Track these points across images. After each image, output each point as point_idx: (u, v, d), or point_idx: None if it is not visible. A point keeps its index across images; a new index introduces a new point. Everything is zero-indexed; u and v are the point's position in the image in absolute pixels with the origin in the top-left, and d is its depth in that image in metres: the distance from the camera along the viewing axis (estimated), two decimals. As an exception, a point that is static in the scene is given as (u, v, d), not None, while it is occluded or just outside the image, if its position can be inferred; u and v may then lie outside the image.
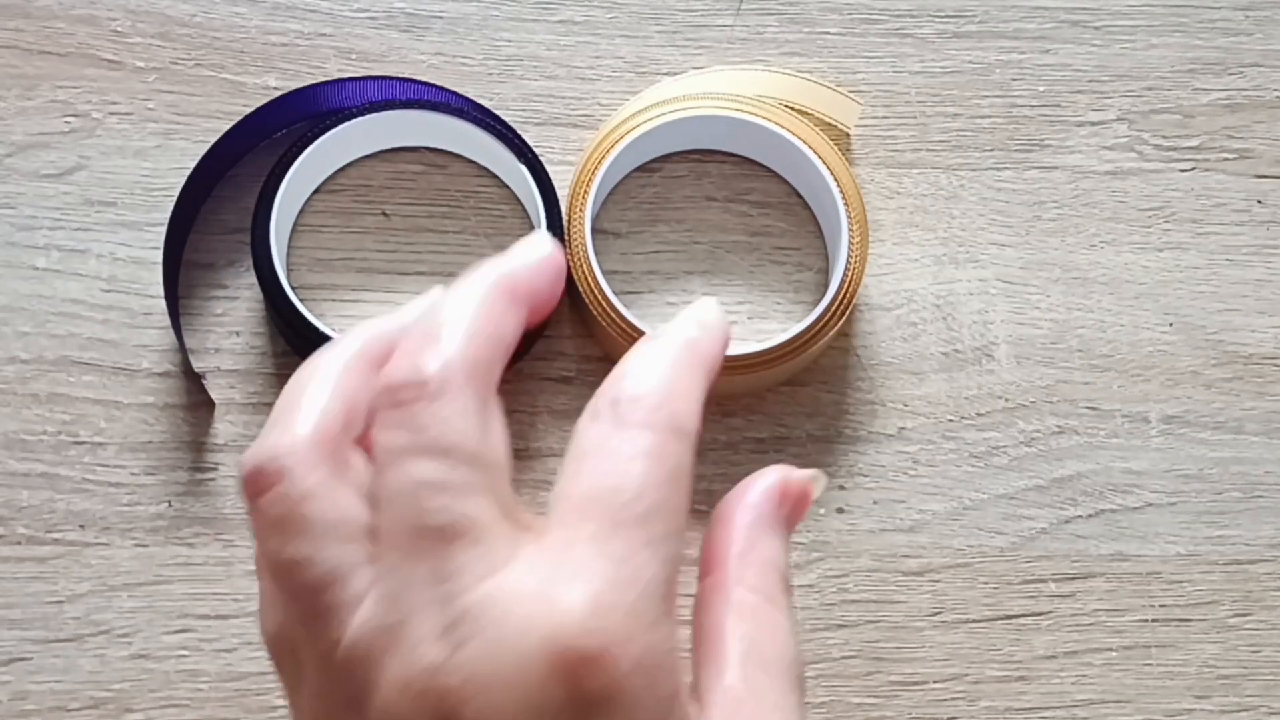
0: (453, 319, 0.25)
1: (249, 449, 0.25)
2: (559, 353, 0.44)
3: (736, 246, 0.45)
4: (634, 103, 0.45)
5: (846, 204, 0.43)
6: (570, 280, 0.42)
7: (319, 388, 0.26)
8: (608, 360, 0.43)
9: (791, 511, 0.28)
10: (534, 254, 0.27)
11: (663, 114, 0.44)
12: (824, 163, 0.43)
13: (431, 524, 0.23)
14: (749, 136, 0.45)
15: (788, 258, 0.45)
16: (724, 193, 0.46)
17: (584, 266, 0.42)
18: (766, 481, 0.28)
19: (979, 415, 0.44)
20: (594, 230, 0.45)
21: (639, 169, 0.46)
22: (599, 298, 0.42)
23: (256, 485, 0.24)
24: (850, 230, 0.43)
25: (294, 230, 0.45)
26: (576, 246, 0.42)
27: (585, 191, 0.43)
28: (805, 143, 0.44)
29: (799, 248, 0.45)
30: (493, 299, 0.26)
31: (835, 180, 0.43)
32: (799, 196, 0.46)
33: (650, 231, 0.45)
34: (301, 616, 0.24)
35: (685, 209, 0.46)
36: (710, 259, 0.45)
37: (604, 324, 0.41)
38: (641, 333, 0.41)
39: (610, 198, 0.46)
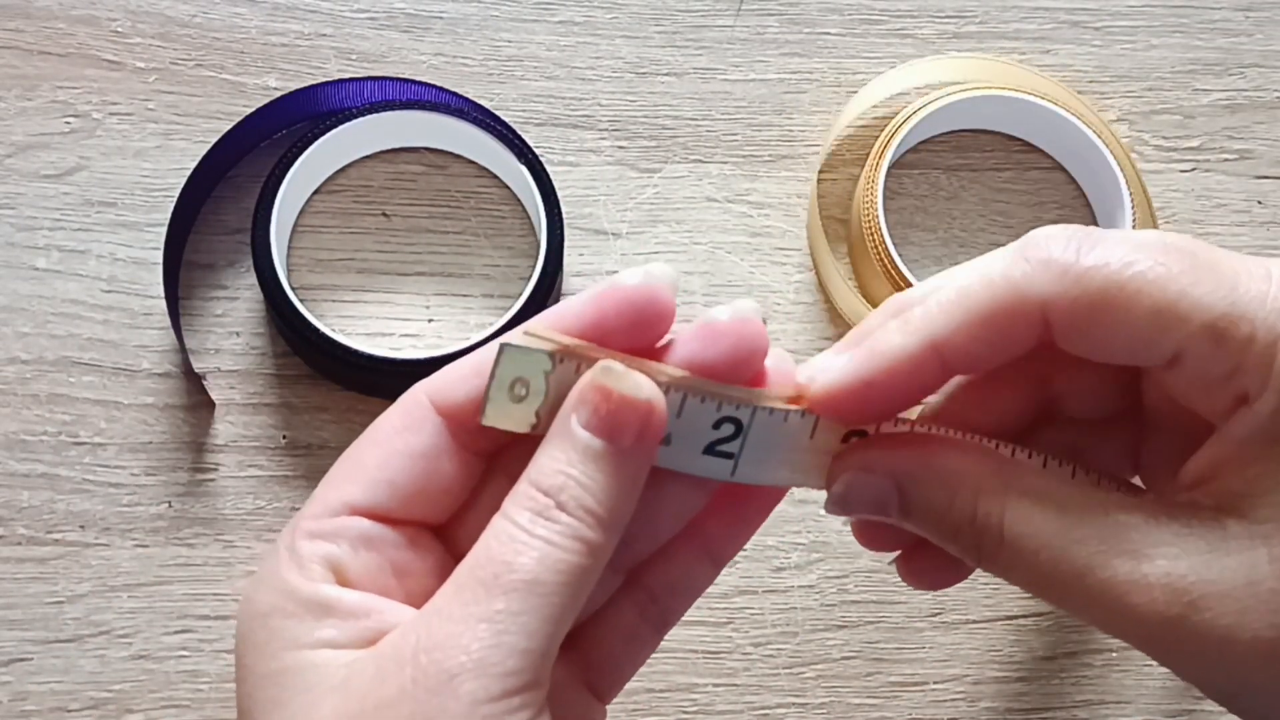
0: None
1: None
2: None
3: (736, 247, 0.45)
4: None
5: (1127, 183, 0.44)
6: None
7: None
8: None
9: (590, 416, 0.25)
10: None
11: (954, 94, 0.45)
12: (1103, 142, 0.44)
13: None
14: (1028, 116, 0.46)
15: (788, 258, 0.45)
16: (725, 193, 0.46)
17: (874, 225, 0.43)
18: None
19: (979, 415, 0.44)
20: (596, 231, 0.45)
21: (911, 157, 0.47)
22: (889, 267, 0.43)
23: None
24: (1133, 211, 0.43)
25: (294, 230, 0.45)
26: (869, 210, 0.43)
27: (875, 175, 0.44)
28: (1083, 121, 0.44)
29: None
30: None
31: (1116, 162, 0.44)
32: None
33: (650, 231, 0.45)
34: None
35: (684, 209, 0.46)
36: (710, 259, 0.45)
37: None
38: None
39: (612, 199, 0.46)
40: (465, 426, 0.27)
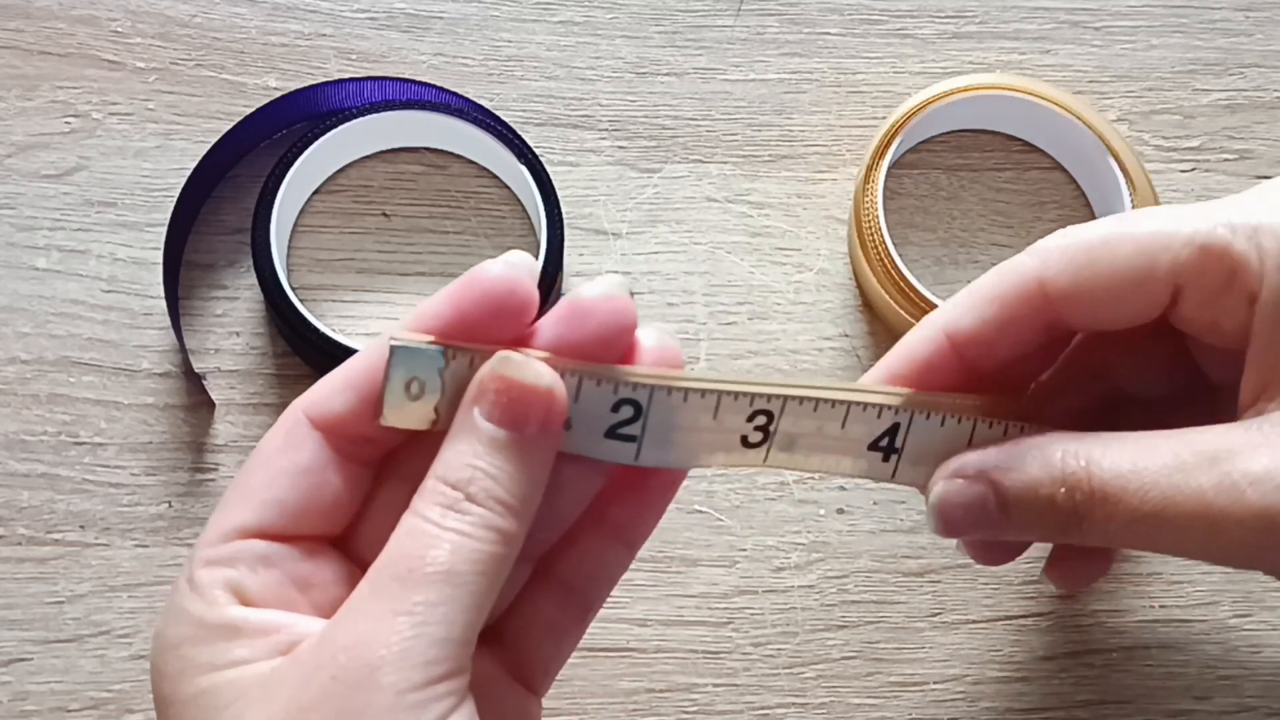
0: None
1: None
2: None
3: (736, 247, 0.45)
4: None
5: (1128, 184, 0.44)
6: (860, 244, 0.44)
7: None
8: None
9: (491, 407, 0.25)
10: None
11: (948, 94, 0.45)
12: (1101, 140, 0.44)
13: None
14: (1028, 116, 0.46)
15: (788, 258, 0.45)
16: (725, 193, 0.46)
17: (874, 225, 0.43)
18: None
19: (979, 415, 0.44)
20: (596, 231, 0.45)
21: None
22: (891, 270, 0.43)
23: None
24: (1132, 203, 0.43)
25: (294, 230, 0.45)
26: (869, 211, 0.43)
27: (875, 172, 0.44)
28: (1080, 119, 0.45)
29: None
30: None
31: (1115, 159, 0.44)
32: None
33: (650, 231, 0.45)
34: None
35: (684, 209, 0.46)
36: (710, 259, 0.45)
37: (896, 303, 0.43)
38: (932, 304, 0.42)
39: (612, 199, 0.46)
40: (347, 437, 0.27)
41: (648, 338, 0.28)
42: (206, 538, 0.27)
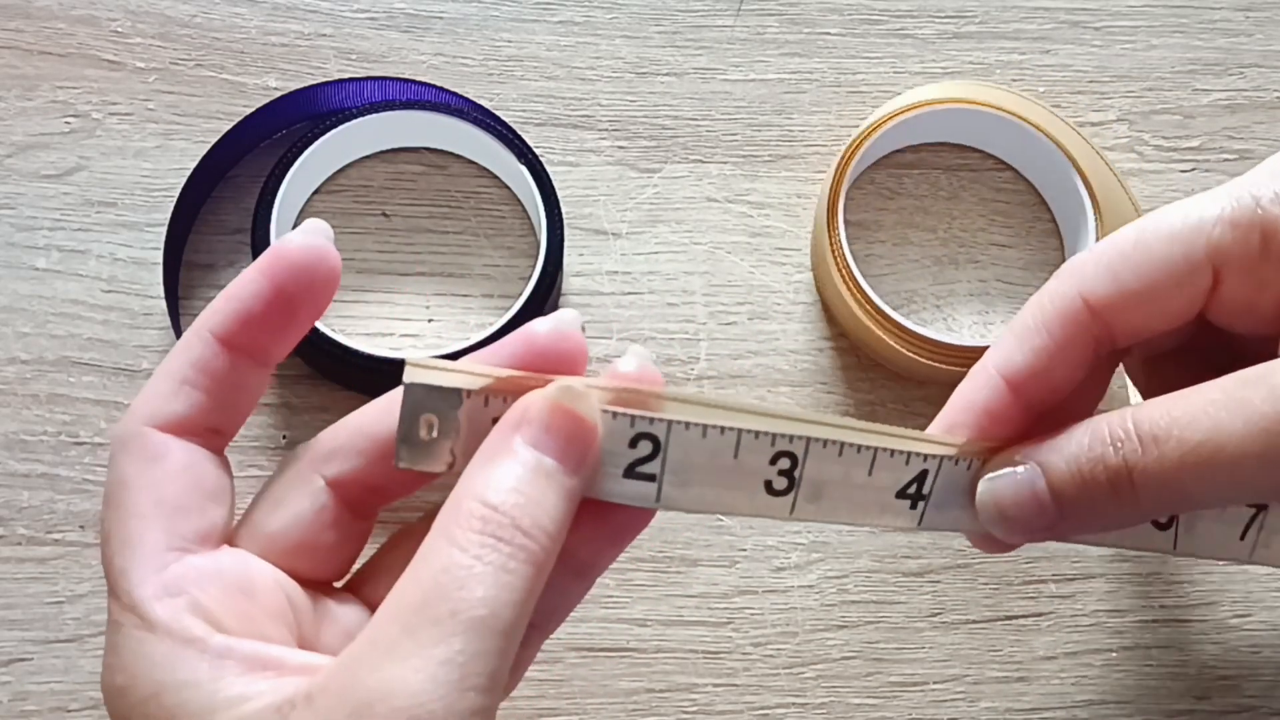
0: None
1: None
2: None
3: (736, 247, 0.45)
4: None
5: (1092, 199, 0.43)
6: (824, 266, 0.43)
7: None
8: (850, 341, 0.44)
9: (541, 434, 0.25)
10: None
11: (907, 110, 0.44)
12: (1066, 155, 0.44)
13: None
14: (986, 128, 0.46)
15: (788, 258, 0.45)
16: (725, 193, 0.46)
17: (839, 254, 0.43)
18: (511, 407, 0.25)
19: (979, 415, 0.44)
20: (596, 231, 0.45)
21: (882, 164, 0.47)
22: (852, 286, 0.42)
23: None
24: (1098, 229, 0.43)
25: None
26: (833, 237, 0.43)
27: (839, 187, 0.43)
28: (1046, 134, 0.44)
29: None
30: None
31: (1079, 174, 0.43)
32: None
33: (650, 231, 0.45)
34: None
35: (684, 209, 0.46)
36: (710, 259, 0.45)
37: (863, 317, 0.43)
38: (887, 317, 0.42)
39: (612, 199, 0.46)
40: (360, 486, 0.27)
41: (628, 364, 0.27)
42: (136, 560, 0.25)
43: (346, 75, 0.46)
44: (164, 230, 0.43)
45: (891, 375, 0.44)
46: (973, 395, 0.30)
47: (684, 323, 0.44)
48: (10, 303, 0.43)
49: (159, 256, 0.43)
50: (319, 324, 0.41)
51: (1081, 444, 0.27)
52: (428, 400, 0.25)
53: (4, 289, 0.43)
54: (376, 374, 0.41)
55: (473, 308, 0.44)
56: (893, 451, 0.28)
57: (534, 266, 0.42)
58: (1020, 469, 0.28)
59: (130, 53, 0.46)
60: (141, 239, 0.44)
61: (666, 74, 0.47)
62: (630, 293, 0.45)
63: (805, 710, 0.41)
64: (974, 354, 0.41)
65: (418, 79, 0.46)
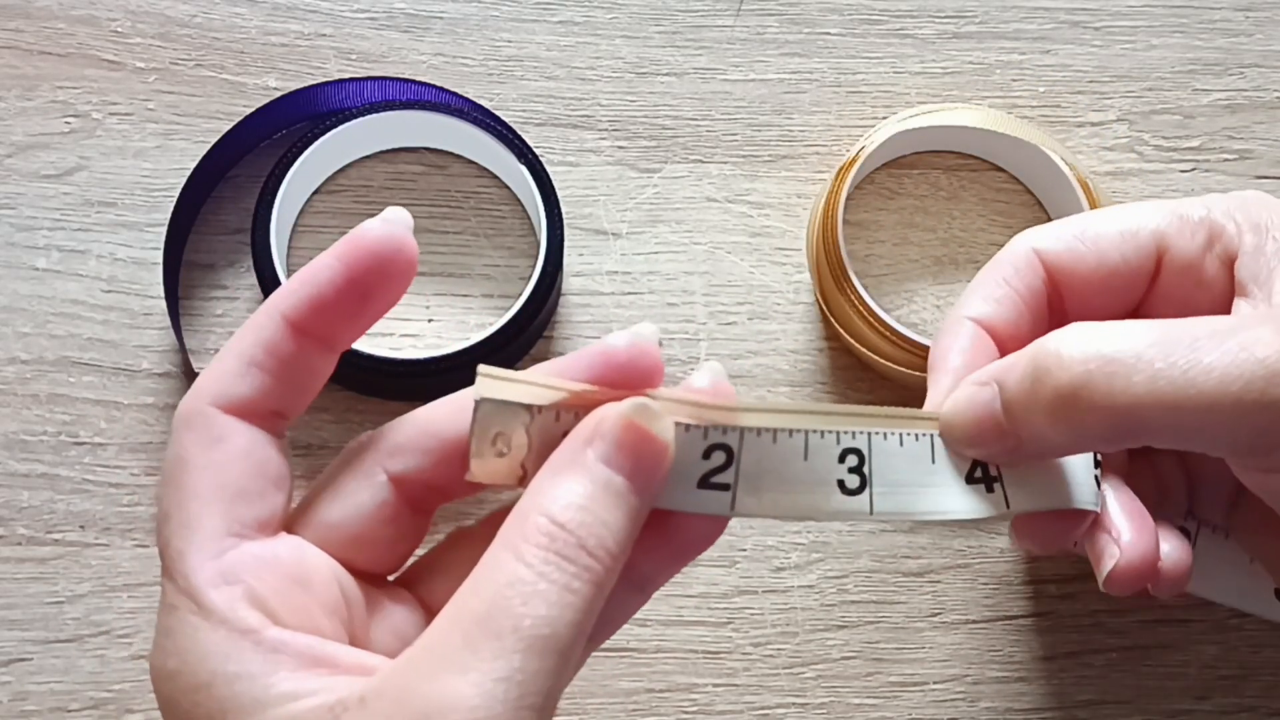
0: None
1: None
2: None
3: (736, 247, 0.45)
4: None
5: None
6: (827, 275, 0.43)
7: None
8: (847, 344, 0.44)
9: (613, 451, 0.25)
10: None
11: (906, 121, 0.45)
12: (1066, 165, 0.44)
13: None
14: (984, 140, 0.46)
15: (788, 258, 0.45)
16: (725, 193, 0.46)
17: (835, 255, 0.43)
18: (583, 421, 0.25)
19: (979, 415, 0.44)
20: (596, 231, 0.45)
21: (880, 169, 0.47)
22: (850, 291, 0.42)
23: None
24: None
25: (294, 230, 0.45)
26: (829, 239, 0.43)
27: (838, 192, 0.43)
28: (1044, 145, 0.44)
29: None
30: None
31: (1077, 182, 0.44)
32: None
33: (650, 231, 0.45)
34: None
35: (684, 209, 0.46)
36: (710, 259, 0.45)
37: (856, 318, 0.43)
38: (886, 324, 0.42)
39: (612, 199, 0.46)
40: (422, 485, 0.27)
41: (701, 379, 0.26)
42: (195, 544, 0.25)
43: (346, 75, 0.46)
44: (164, 230, 0.43)
45: (891, 375, 0.44)
46: (951, 341, 0.32)
47: (684, 323, 0.44)
48: (10, 303, 0.43)
49: (159, 256, 0.43)
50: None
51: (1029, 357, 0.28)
52: (498, 414, 0.25)
53: (4, 289, 0.43)
54: (376, 374, 0.41)
55: (473, 308, 0.44)
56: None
57: (534, 266, 0.42)
58: (984, 391, 0.28)
59: (130, 53, 0.46)
60: (141, 239, 0.44)
61: (666, 74, 0.47)
62: (630, 293, 0.45)
63: (805, 710, 0.41)
64: None
65: (418, 79, 0.46)
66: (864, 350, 0.43)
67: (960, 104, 0.47)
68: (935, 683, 0.41)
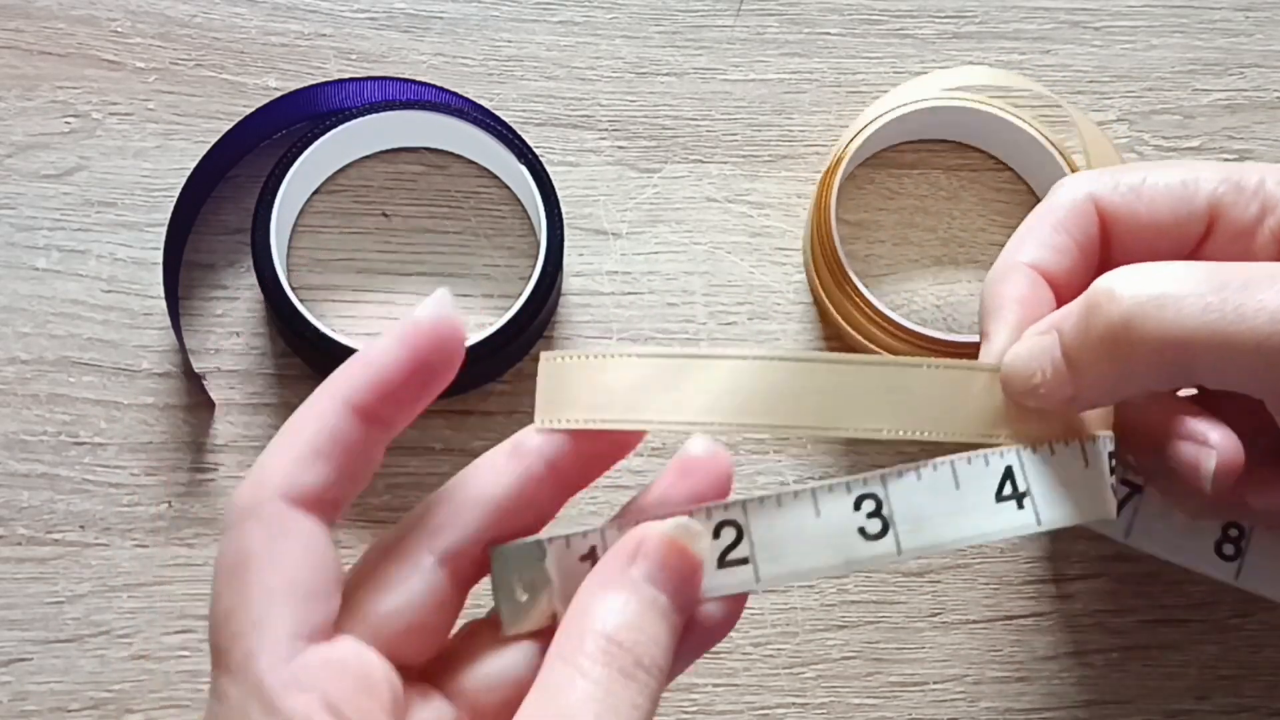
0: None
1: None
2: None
3: (736, 247, 0.45)
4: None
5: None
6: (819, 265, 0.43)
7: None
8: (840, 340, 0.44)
9: (657, 570, 0.26)
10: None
11: (894, 109, 0.44)
12: (1058, 151, 0.44)
13: None
14: (970, 124, 0.46)
15: (788, 258, 0.45)
16: (725, 193, 0.46)
17: (829, 248, 0.43)
18: (624, 537, 0.26)
19: (979, 415, 0.44)
20: (596, 231, 0.45)
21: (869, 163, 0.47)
22: (845, 283, 0.42)
23: None
24: None
25: (294, 230, 0.45)
26: (823, 234, 0.43)
27: (829, 186, 0.43)
28: (1033, 128, 0.44)
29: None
30: None
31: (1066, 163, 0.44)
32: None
33: (650, 231, 0.45)
34: None
35: (684, 209, 0.46)
36: (710, 259, 0.45)
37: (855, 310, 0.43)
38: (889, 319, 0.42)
39: (612, 199, 0.46)
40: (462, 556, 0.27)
41: (697, 447, 0.27)
42: (266, 644, 0.24)
43: (346, 75, 0.46)
44: (164, 230, 0.43)
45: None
46: (1009, 289, 0.32)
47: (684, 323, 0.44)
48: (10, 303, 0.43)
49: (159, 256, 0.43)
50: (319, 324, 0.41)
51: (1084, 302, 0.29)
52: (514, 559, 0.26)
53: (4, 289, 0.43)
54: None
55: (473, 308, 0.44)
56: (969, 458, 0.27)
57: (534, 266, 0.42)
58: (1044, 338, 0.29)
59: (130, 53, 0.46)
60: (141, 239, 0.44)
61: (666, 74, 0.47)
62: (630, 293, 0.45)
63: (805, 710, 0.41)
64: (971, 351, 0.41)
65: (418, 79, 0.46)
66: (868, 345, 0.43)
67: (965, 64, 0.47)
68: (935, 683, 0.41)
